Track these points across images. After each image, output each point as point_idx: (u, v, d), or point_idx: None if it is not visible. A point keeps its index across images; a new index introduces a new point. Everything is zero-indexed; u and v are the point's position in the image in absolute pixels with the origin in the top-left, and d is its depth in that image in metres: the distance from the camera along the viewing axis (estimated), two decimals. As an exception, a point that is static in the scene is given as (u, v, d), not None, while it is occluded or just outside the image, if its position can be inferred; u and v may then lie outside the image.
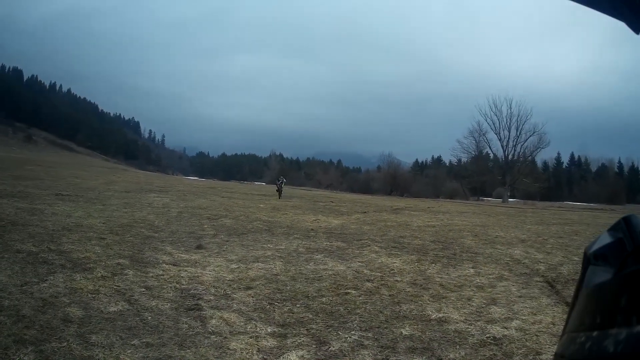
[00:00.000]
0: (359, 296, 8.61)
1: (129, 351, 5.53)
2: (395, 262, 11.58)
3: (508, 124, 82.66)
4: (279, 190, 35.55)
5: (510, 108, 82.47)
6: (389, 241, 14.65)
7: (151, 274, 9.05)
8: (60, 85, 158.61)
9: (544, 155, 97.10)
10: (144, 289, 8.09)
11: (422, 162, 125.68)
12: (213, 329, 6.50)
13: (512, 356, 6.12)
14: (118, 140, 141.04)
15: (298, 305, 7.91)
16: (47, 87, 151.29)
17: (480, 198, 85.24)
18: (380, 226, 18.72)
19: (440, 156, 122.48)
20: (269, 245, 13.10)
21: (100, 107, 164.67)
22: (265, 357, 5.78)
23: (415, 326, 7.13)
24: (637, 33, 1.49)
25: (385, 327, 7.04)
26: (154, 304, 7.37)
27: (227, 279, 9.23)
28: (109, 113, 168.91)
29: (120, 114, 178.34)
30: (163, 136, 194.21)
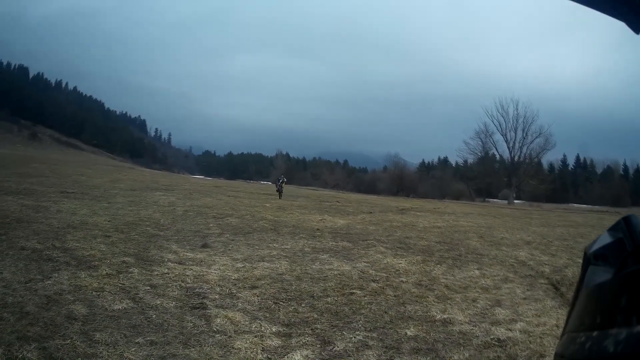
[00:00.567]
0: (364, 296, 8.59)
1: (133, 349, 5.52)
2: (400, 263, 11.56)
3: (514, 125, 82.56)
4: (279, 191, 35.07)
5: (517, 109, 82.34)
6: (395, 242, 14.63)
7: (156, 273, 9.05)
8: (66, 83, 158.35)
9: (550, 157, 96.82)
10: (148, 287, 8.08)
11: (428, 162, 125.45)
12: (218, 327, 6.49)
13: (516, 358, 6.11)
14: (124, 138, 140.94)
15: (303, 305, 7.89)
16: (53, 84, 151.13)
17: (486, 199, 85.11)
18: (386, 227, 18.69)
19: (446, 157, 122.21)
20: (274, 244, 13.08)
21: (106, 106, 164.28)
22: (269, 356, 5.76)
23: (420, 327, 7.11)
24: (637, 33, 1.49)
25: (390, 328, 7.03)
26: (159, 302, 7.37)
27: (233, 278, 9.21)
28: (115, 111, 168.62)
29: (126, 112, 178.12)
30: (169, 135, 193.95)
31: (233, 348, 5.86)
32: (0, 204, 15.37)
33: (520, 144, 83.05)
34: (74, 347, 5.36)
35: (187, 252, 11.22)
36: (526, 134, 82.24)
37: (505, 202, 77.23)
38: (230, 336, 6.24)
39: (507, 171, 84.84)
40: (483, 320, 7.59)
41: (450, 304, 8.41)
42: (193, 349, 5.69)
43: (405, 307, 8.11)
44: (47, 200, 17.73)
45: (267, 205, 26.15)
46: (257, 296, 8.17)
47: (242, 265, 10.36)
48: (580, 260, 1.31)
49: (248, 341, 6.09)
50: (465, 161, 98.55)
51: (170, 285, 8.35)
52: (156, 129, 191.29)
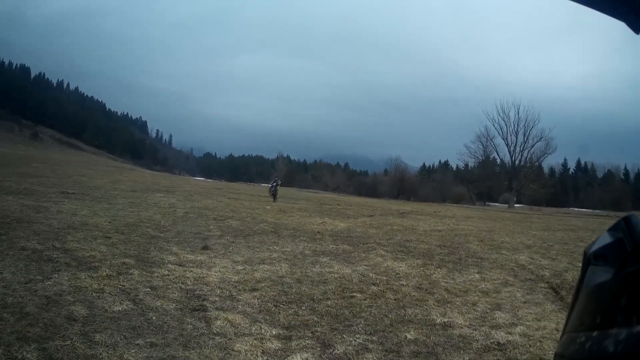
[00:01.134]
0: (364, 299, 8.59)
1: (133, 351, 5.52)
2: (401, 266, 11.56)
3: (515, 129, 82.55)
4: (274, 194, 34.59)
5: (518, 113, 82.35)
6: (395, 245, 14.63)
7: (156, 274, 9.04)
8: (68, 84, 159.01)
9: (551, 161, 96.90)
10: (149, 289, 8.08)
11: (429, 166, 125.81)
12: (218, 330, 6.49)
13: (516, 362, 6.12)
14: (125, 139, 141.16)
15: (303, 308, 7.89)
16: (55, 84, 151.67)
17: (487, 203, 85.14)
18: (387, 230, 18.69)
19: (447, 160, 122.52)
20: (275, 247, 13.07)
21: (107, 106, 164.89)
22: (269, 359, 5.76)
23: (420, 330, 7.12)
24: (637, 33, 1.49)
25: (390, 331, 7.03)
26: (159, 304, 7.36)
27: (233, 280, 9.21)
28: (116, 112, 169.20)
29: (127, 113, 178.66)
30: (170, 136, 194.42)
31: (233, 350, 5.86)
32: (1, 203, 15.36)
33: (521, 148, 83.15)
34: (73, 348, 5.36)
35: (187, 254, 11.22)
36: (527, 137, 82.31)
37: (506, 205, 77.23)
38: (230, 338, 6.24)
39: (508, 175, 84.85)
40: (483, 324, 7.59)
41: (450, 308, 8.41)
42: (193, 351, 5.69)
43: (405, 310, 8.11)
44: (47, 200, 17.72)
45: (268, 207, 26.16)
46: (258, 299, 8.17)
47: (243, 267, 10.35)
48: (580, 264, 1.31)
49: (248, 344, 6.08)
50: (466, 165, 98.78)
51: (170, 287, 8.34)
52: (157, 130, 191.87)
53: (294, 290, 8.85)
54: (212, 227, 15.91)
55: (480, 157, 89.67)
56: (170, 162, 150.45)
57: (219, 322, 6.77)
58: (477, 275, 11.11)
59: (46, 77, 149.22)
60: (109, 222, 14.26)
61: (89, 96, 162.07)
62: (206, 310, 7.28)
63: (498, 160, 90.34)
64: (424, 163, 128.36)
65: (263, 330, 6.65)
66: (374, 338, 6.70)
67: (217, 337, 6.22)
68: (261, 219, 19.22)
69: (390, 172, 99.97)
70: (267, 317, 7.28)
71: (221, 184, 65.83)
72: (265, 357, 5.78)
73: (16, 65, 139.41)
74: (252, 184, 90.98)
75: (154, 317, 6.72)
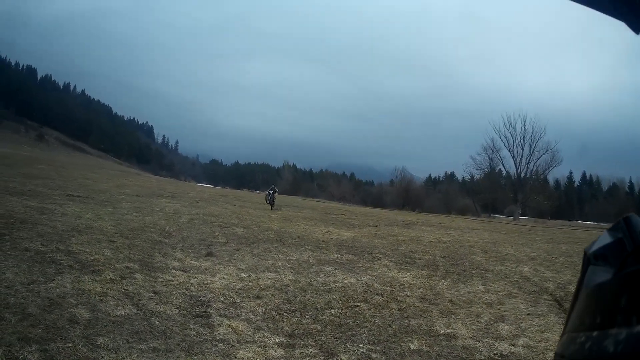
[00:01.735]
0: (368, 309, 8.57)
1: (135, 355, 5.50)
2: (405, 277, 11.52)
3: (522, 141, 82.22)
4: (271, 202, 32.75)
5: (525, 125, 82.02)
6: (400, 255, 14.59)
7: (160, 279, 9.03)
8: (75, 86, 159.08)
9: (556, 174, 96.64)
10: (152, 294, 8.07)
11: (435, 177, 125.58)
12: (221, 336, 6.47)
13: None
14: (131, 143, 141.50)
15: (307, 317, 7.88)
16: (61, 87, 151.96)
17: (492, 215, 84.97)
18: (392, 240, 18.64)
19: (453, 172, 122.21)
20: (279, 255, 13.06)
21: (114, 110, 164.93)
22: (272, 367, 5.75)
23: (424, 341, 7.10)
24: (637, 33, 1.48)
25: (393, 341, 7.02)
26: (162, 309, 7.35)
27: (237, 287, 9.20)
28: (123, 116, 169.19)
29: (134, 118, 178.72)
30: (177, 142, 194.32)
31: (236, 357, 5.84)
32: (5, 204, 15.35)
33: (527, 160, 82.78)
34: (75, 351, 5.34)
35: (191, 260, 11.21)
36: (533, 150, 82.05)
37: (511, 217, 77.02)
38: (233, 345, 6.22)
39: (513, 187, 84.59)
40: (486, 335, 7.56)
41: (454, 319, 8.38)
42: (196, 357, 5.67)
43: (409, 321, 8.09)
44: (52, 202, 17.72)
45: (273, 215, 26.16)
46: (261, 306, 8.16)
47: (247, 275, 10.35)
48: None
49: (251, 351, 6.07)
50: (472, 176, 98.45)
51: (174, 292, 8.33)
52: (163, 135, 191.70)
53: (298, 299, 8.84)
54: (216, 233, 15.90)
55: (486, 169, 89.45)
56: (176, 168, 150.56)
57: (222, 329, 6.76)
58: (481, 287, 11.06)
59: (53, 78, 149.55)
60: (114, 226, 14.25)
61: (96, 99, 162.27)
62: (209, 317, 7.27)
63: (504, 172, 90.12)
64: (429, 174, 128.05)
65: (266, 338, 6.63)
66: (378, 348, 6.68)
67: (220, 344, 6.20)
68: (266, 227, 19.21)
69: (396, 182, 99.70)
70: (271, 325, 7.27)
71: (227, 191, 65.83)
72: (268, 365, 5.77)
73: (23, 66, 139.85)
74: (258, 191, 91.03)
75: (157, 322, 6.71)
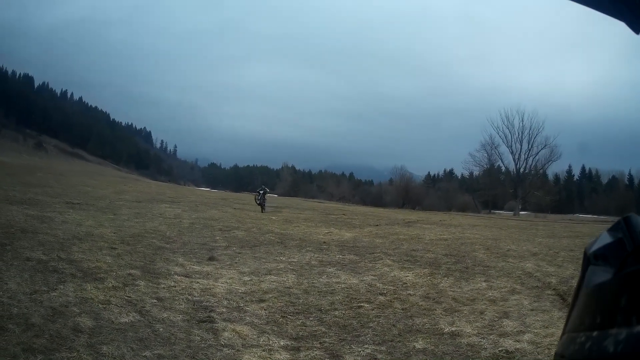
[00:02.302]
0: (372, 310, 8.57)
1: (141, 363, 5.50)
2: (408, 276, 11.52)
3: (520, 137, 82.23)
4: (261, 204, 30.50)
5: (522, 121, 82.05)
6: (402, 254, 14.57)
7: (163, 285, 9.02)
8: (72, 94, 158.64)
9: (555, 168, 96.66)
10: (155, 300, 8.06)
11: (434, 175, 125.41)
12: (225, 341, 6.46)
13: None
14: (129, 149, 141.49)
15: (311, 319, 7.87)
16: (58, 94, 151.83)
17: (492, 211, 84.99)
18: (393, 239, 18.62)
19: (452, 169, 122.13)
20: (281, 257, 13.04)
21: (112, 116, 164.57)
22: (278, 371, 5.74)
23: (429, 340, 7.11)
24: (637, 33, 1.49)
25: (398, 341, 7.02)
26: (166, 315, 7.34)
27: (240, 291, 9.19)
28: (121, 122, 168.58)
29: (132, 124, 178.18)
30: (175, 147, 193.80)
31: (241, 362, 5.84)
32: (5, 213, 15.31)
33: (526, 156, 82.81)
34: (80, 361, 5.34)
35: (193, 265, 11.20)
36: (532, 145, 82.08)
37: (511, 213, 77.07)
38: (238, 350, 6.22)
39: (513, 183, 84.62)
40: (491, 332, 7.57)
41: (458, 317, 8.39)
42: (201, 363, 5.67)
43: (413, 320, 8.10)
44: (52, 210, 17.70)
45: (273, 217, 26.11)
46: (265, 310, 8.16)
47: (249, 278, 10.34)
48: None
49: (256, 355, 6.06)
50: (471, 173, 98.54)
51: (177, 298, 8.33)
52: (162, 140, 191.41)
53: (301, 301, 8.84)
54: (218, 237, 15.88)
55: (485, 166, 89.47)
56: (175, 173, 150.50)
57: (226, 334, 6.75)
58: (484, 284, 11.06)
59: (50, 86, 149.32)
60: (115, 233, 14.23)
61: (93, 106, 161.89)
62: (213, 322, 7.26)
63: (503, 168, 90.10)
64: (429, 172, 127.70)
65: (271, 342, 6.63)
66: (383, 348, 6.68)
67: (224, 349, 6.20)
68: (267, 230, 19.18)
69: (395, 181, 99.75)
70: (275, 328, 7.26)
71: (226, 194, 65.79)
72: (273, 369, 5.76)
73: (19, 74, 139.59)
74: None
75: (161, 329, 6.70)
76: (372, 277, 11.29)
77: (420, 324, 7.86)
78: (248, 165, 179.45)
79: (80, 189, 31.39)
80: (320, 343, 6.76)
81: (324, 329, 7.37)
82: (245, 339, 6.62)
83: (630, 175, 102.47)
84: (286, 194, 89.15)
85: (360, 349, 6.57)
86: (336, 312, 8.26)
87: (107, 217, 17.90)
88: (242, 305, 8.29)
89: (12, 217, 14.61)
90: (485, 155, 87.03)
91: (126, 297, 8.02)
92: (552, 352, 6.49)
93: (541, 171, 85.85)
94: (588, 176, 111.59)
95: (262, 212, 29.55)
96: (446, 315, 8.44)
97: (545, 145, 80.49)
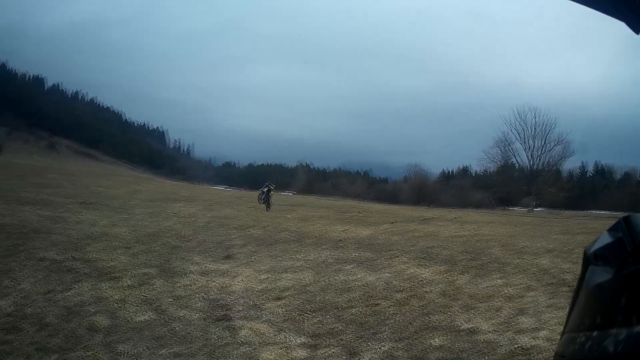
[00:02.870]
0: (389, 307, 8.51)
1: (157, 361, 5.49)
2: (424, 273, 11.46)
3: (533, 133, 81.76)
4: (266, 202, 28.65)
5: (535, 117, 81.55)
6: (418, 252, 14.50)
7: (179, 284, 9.02)
8: (84, 95, 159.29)
9: (569, 164, 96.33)
10: (172, 299, 8.06)
11: (449, 172, 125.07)
12: (243, 339, 6.44)
13: (541, 366, 6.05)
14: (142, 149, 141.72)
15: (328, 316, 7.83)
16: (69, 95, 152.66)
17: (507, 208, 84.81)
18: (409, 237, 18.55)
19: (465, 166, 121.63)
20: (298, 255, 13.01)
21: (125, 117, 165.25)
22: (296, 368, 5.72)
23: (446, 337, 7.06)
24: (637, 33, 1.46)
25: (415, 338, 6.98)
26: (183, 314, 7.33)
27: (257, 289, 9.17)
28: (134, 122, 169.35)
29: (145, 124, 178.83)
30: (189, 146, 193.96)
31: (259, 359, 5.81)
32: (18, 214, 15.36)
33: (539, 152, 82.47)
34: (96, 359, 5.33)
35: (210, 263, 11.19)
36: (545, 141, 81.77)
37: (526, 210, 76.87)
38: (255, 348, 6.19)
39: (527, 179, 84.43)
40: (508, 329, 7.50)
41: (474, 314, 8.32)
42: (219, 361, 5.65)
43: (430, 317, 8.04)
44: (65, 211, 17.76)
45: (289, 216, 26.07)
46: (282, 307, 8.13)
47: (266, 276, 10.32)
48: None
49: (274, 352, 6.04)
50: (485, 170, 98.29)
51: (193, 296, 8.32)
52: (176, 140, 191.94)
53: (318, 299, 8.80)
54: (233, 236, 15.87)
55: (498, 162, 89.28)
56: (189, 172, 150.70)
57: (244, 332, 6.73)
58: (500, 281, 10.98)
59: (61, 87, 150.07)
60: (129, 232, 14.25)
61: (106, 107, 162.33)
62: (231, 320, 7.24)
63: (516, 165, 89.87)
64: (443, 169, 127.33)
65: (289, 339, 6.60)
66: (400, 345, 6.64)
67: (242, 347, 6.17)
68: (283, 228, 19.16)
69: (410, 179, 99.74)
70: (293, 326, 7.23)
71: (241, 193, 65.93)
72: (292, 367, 5.74)
73: (29, 76, 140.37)
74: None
75: (177, 327, 6.69)
76: (389, 274, 11.24)
77: (437, 321, 7.80)
78: (263, 164, 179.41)
79: (93, 189, 31.49)
80: (338, 340, 6.72)
81: (341, 327, 7.33)
82: (262, 337, 6.60)
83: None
84: (301, 192, 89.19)
85: (377, 346, 6.53)
86: (353, 310, 8.22)
87: (122, 217, 17.94)
88: (259, 303, 8.27)
89: (25, 218, 14.67)
90: (499, 152, 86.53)
91: (142, 296, 8.02)
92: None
93: (554, 168, 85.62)
94: (601, 172, 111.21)
95: (267, 210, 27.77)
96: (463, 312, 8.38)
97: (558, 142, 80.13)
